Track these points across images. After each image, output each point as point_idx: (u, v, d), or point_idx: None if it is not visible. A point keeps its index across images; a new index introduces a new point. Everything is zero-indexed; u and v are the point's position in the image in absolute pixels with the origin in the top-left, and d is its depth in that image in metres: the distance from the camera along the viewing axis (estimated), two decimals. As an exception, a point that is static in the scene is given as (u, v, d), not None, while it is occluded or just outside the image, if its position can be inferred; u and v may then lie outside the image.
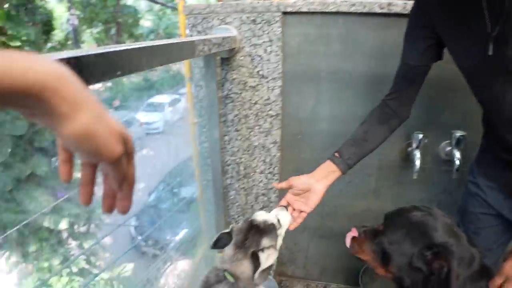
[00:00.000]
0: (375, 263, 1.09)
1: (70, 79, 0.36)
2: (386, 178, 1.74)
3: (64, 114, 0.35)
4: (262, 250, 1.12)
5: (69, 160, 0.45)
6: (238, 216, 1.99)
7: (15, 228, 3.90)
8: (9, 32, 4.14)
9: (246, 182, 1.88)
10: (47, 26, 6.38)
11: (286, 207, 1.23)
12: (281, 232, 1.18)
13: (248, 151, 1.80)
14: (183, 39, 1.33)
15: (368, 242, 1.14)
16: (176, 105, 12.18)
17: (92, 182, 0.48)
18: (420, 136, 1.54)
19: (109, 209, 0.49)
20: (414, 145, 1.56)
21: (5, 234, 3.98)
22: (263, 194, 1.88)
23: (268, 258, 1.11)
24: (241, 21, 1.54)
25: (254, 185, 1.88)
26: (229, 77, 1.65)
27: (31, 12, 5.41)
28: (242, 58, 1.60)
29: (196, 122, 1.81)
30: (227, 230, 1.16)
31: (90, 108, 0.37)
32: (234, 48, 1.56)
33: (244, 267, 1.10)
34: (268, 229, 1.15)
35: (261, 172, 1.83)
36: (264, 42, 1.55)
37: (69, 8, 11.37)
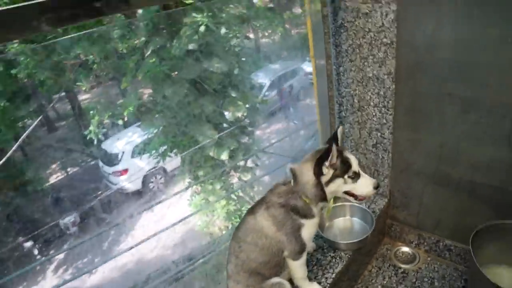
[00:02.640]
0: None
1: None
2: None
3: None
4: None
5: None
6: (352, 150, 2.00)
7: (186, 152, 4.89)
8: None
9: (360, 115, 1.86)
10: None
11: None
12: (347, 181, 1.29)
13: (362, 82, 1.77)
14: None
15: None
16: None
17: None
18: None
19: None
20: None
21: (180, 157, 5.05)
22: (376, 129, 1.84)
23: (328, 179, 1.26)
24: None
25: (368, 119, 1.85)
26: (342, 6, 1.63)
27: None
28: (355, -18, 1.55)
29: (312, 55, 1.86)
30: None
31: None
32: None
33: (306, 169, 1.26)
34: (344, 165, 1.27)
35: (375, 106, 1.78)
36: (378, -39, 1.46)
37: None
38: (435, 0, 1.41)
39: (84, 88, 5.74)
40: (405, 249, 2.06)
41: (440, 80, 1.55)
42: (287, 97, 11.05)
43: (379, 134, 1.84)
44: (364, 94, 1.79)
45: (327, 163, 1.24)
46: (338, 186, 1.29)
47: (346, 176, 1.28)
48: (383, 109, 1.76)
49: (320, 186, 1.26)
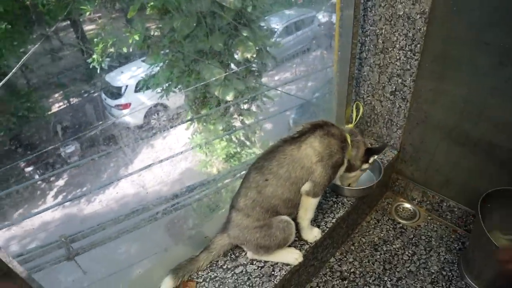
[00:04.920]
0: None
1: None
2: None
3: None
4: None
5: None
6: (368, 96, 1.88)
7: (190, 88, 4.75)
8: None
9: (382, 58, 1.71)
10: None
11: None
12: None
13: (390, 21, 1.60)
14: None
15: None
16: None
17: None
18: None
19: None
20: None
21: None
22: (397, 75, 1.70)
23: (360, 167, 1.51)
24: None
25: (390, 62, 1.70)
26: None
27: None
28: None
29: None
30: None
31: None
32: None
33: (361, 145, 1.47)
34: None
35: (401, 49, 1.62)
36: None
37: None
38: None
39: (88, 13, 5.44)
40: (407, 205, 2.01)
41: (480, 26, 1.38)
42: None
43: (400, 80, 1.70)
44: (390, 34, 1.62)
45: (375, 157, 1.51)
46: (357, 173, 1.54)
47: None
48: (408, 53, 1.61)
49: (360, 163, 1.48)
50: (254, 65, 5.46)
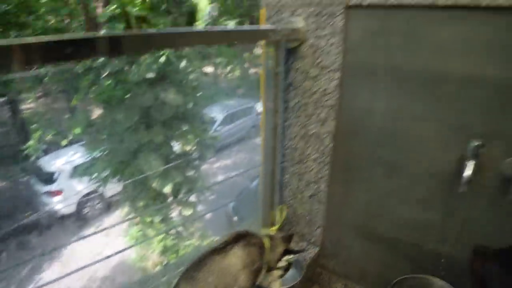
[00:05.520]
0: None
1: None
2: (438, 188, 1.61)
3: None
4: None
5: None
6: (290, 199, 2.11)
7: (129, 181, 4.77)
8: (151, 21, 5.04)
9: (299, 167, 1.99)
10: (191, 17, 7.46)
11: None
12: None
13: (304, 138, 1.91)
14: (261, 26, 1.60)
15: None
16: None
17: None
18: (475, 144, 1.43)
19: None
20: (468, 154, 1.46)
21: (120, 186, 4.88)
22: (314, 182, 1.97)
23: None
24: (308, 14, 1.67)
25: (306, 171, 1.98)
26: (293, 67, 1.79)
27: (177, 4, 6.42)
28: (306, 49, 1.73)
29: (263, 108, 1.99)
30: None
31: None
32: (300, 38, 1.70)
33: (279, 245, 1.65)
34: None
35: (314, 160, 1.92)
36: (326, 34, 1.64)
37: (211, 1, 12.49)
38: (373, 74, 1.61)
39: (30, 100, 5.47)
40: (332, 297, 2.16)
41: (372, 144, 1.72)
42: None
43: (315, 186, 1.97)
44: (305, 149, 1.93)
45: (290, 256, 1.68)
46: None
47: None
48: (321, 164, 1.90)
49: (276, 263, 1.63)
50: (193, 155, 5.68)
